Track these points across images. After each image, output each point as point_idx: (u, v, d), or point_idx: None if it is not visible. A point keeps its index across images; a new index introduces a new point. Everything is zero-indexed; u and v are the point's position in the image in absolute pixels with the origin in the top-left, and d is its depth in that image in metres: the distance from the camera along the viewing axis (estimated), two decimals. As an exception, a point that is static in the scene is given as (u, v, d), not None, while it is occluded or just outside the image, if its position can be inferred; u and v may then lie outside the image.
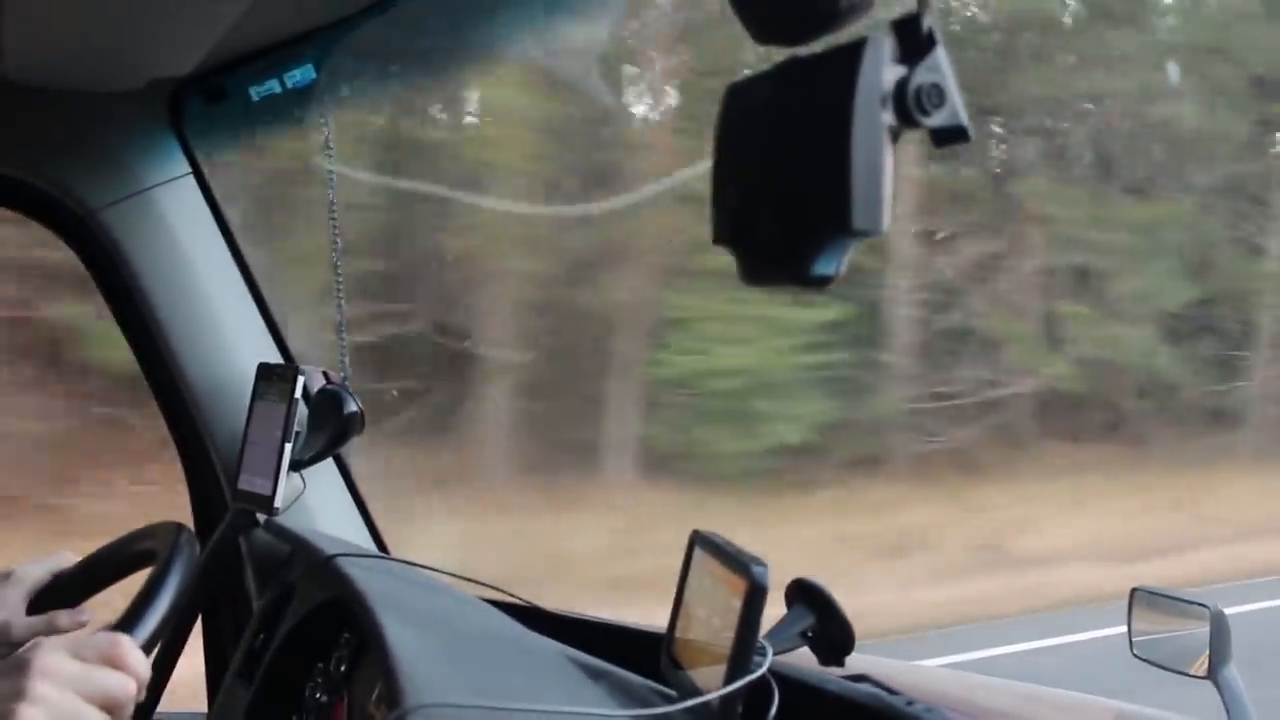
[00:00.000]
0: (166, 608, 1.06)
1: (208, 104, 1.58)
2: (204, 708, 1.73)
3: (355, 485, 1.70)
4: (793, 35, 0.63)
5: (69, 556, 1.32)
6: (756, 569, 0.91)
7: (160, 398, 1.71)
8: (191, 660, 1.70)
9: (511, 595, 1.40)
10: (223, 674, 1.59)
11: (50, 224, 1.68)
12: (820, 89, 0.59)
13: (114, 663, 0.91)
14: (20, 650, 0.91)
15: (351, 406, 1.53)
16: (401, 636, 0.97)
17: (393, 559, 1.45)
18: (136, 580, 1.24)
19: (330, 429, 1.53)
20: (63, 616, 1.26)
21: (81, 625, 1.27)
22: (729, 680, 0.92)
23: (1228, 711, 1.38)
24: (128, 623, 1.02)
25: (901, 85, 0.58)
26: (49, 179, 1.61)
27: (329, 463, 1.63)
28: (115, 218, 1.62)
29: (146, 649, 0.99)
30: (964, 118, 0.59)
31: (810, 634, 1.09)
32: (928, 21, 0.58)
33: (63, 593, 1.29)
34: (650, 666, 1.12)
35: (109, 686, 0.90)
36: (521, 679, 1.06)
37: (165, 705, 1.66)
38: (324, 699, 1.36)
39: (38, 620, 1.25)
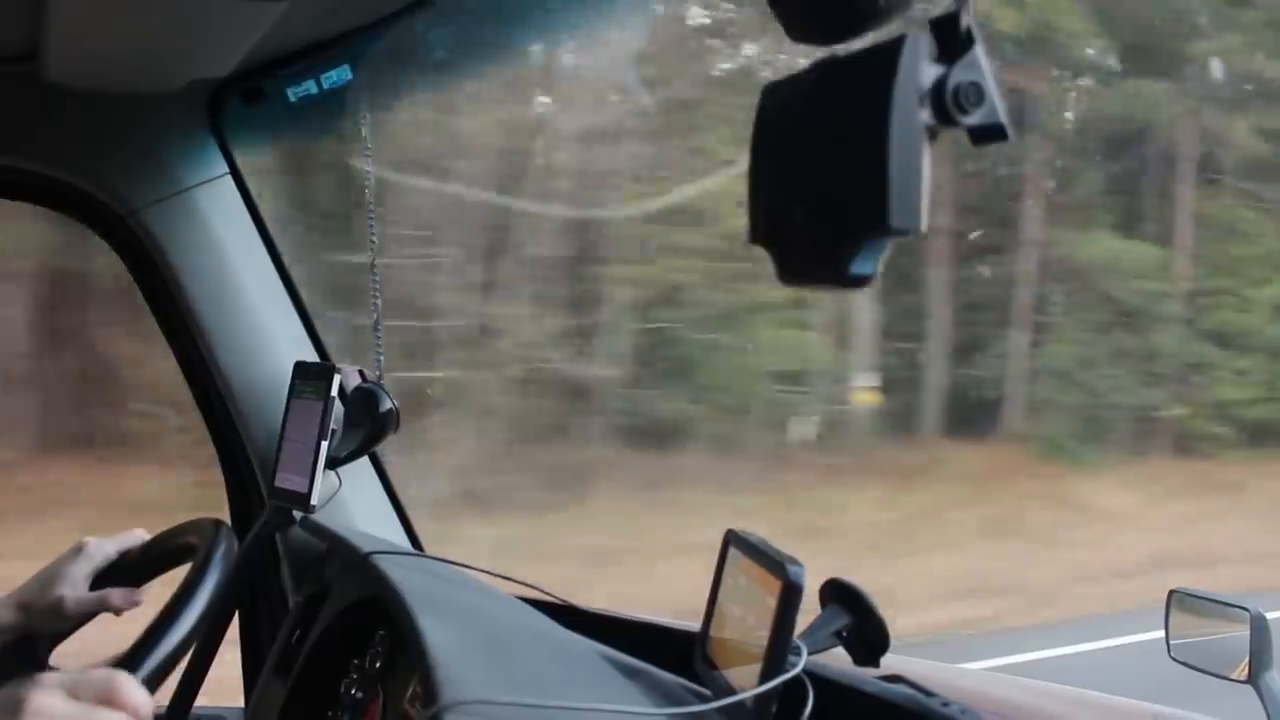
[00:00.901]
0: (190, 624, 1.04)
1: (246, 105, 1.60)
2: (241, 703, 1.75)
3: (391, 483, 1.71)
4: (830, 34, 0.63)
5: (140, 535, 1.32)
6: (792, 568, 0.91)
7: (198, 395, 1.73)
8: (228, 656, 1.72)
9: (547, 593, 1.40)
10: (259, 669, 1.61)
11: (92, 224, 1.70)
12: (858, 88, 0.59)
13: (111, 702, 0.88)
14: (12, 688, 0.88)
15: (387, 405, 1.54)
16: (438, 634, 0.98)
17: (428, 557, 1.46)
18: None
19: (366, 427, 1.54)
20: (116, 595, 1.26)
21: (135, 604, 1.27)
22: (764, 679, 0.91)
23: (1269, 717, 1.36)
24: (132, 658, 1.00)
25: (940, 84, 0.58)
26: (91, 180, 1.64)
27: (365, 461, 1.65)
28: (155, 218, 1.64)
29: (154, 682, 0.97)
30: (1002, 116, 0.59)
31: (845, 634, 1.09)
32: (966, 19, 0.58)
33: (126, 572, 1.30)
34: (684, 665, 1.12)
35: None
36: (557, 677, 1.06)
37: (202, 700, 1.68)
38: (359, 695, 1.37)
39: (90, 597, 1.25)
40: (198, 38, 1.31)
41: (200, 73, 1.50)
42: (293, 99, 1.53)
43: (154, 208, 1.63)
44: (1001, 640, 6.20)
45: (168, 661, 1.01)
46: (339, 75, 1.49)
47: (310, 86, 1.51)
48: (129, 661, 0.99)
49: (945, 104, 0.57)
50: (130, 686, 0.89)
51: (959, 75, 0.58)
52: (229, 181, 1.66)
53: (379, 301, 1.67)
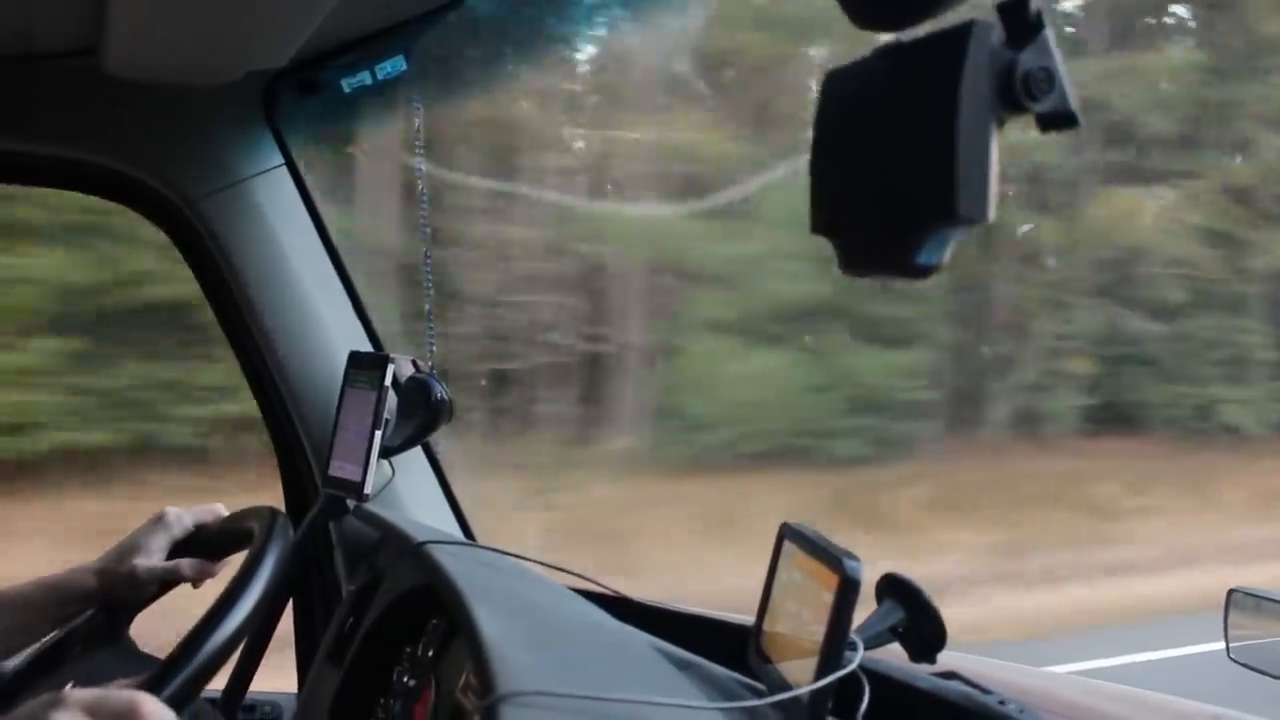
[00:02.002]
0: (237, 622, 1.04)
1: (301, 96, 1.61)
2: (294, 689, 1.77)
3: (443, 473, 1.72)
4: (895, 20, 0.62)
5: (219, 510, 1.33)
6: (849, 563, 0.90)
7: (254, 384, 1.74)
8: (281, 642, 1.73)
9: (599, 584, 1.40)
10: (312, 656, 1.62)
11: (150, 214, 1.72)
12: (924, 75, 0.58)
13: None
14: (35, 707, 0.88)
15: (440, 395, 1.55)
16: (492, 624, 0.98)
17: (481, 546, 1.46)
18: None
19: (419, 417, 1.55)
20: (187, 565, 1.27)
21: (209, 576, 1.27)
22: (820, 675, 0.90)
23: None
24: (159, 679, 0.98)
25: (1009, 70, 0.56)
26: (149, 171, 1.65)
27: (417, 450, 1.65)
28: (212, 208, 1.65)
29: (180, 701, 0.95)
30: (1073, 103, 0.57)
31: (901, 629, 1.07)
32: (1036, 3, 0.57)
33: (200, 547, 1.31)
34: (735, 658, 1.11)
35: None
36: (610, 668, 1.06)
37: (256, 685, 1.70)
38: (412, 683, 1.37)
39: (162, 566, 1.26)
40: (255, 29, 1.32)
41: (257, 64, 1.51)
42: (347, 90, 1.53)
43: (211, 198, 1.65)
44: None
45: (200, 673, 1.00)
46: (393, 65, 1.49)
47: (365, 77, 1.51)
48: (159, 678, 0.97)
49: (1015, 91, 0.56)
50: (152, 710, 0.88)
51: (1029, 61, 0.56)
52: (284, 172, 1.67)
53: (431, 291, 1.68)
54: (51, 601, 1.23)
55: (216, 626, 1.03)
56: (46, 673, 1.11)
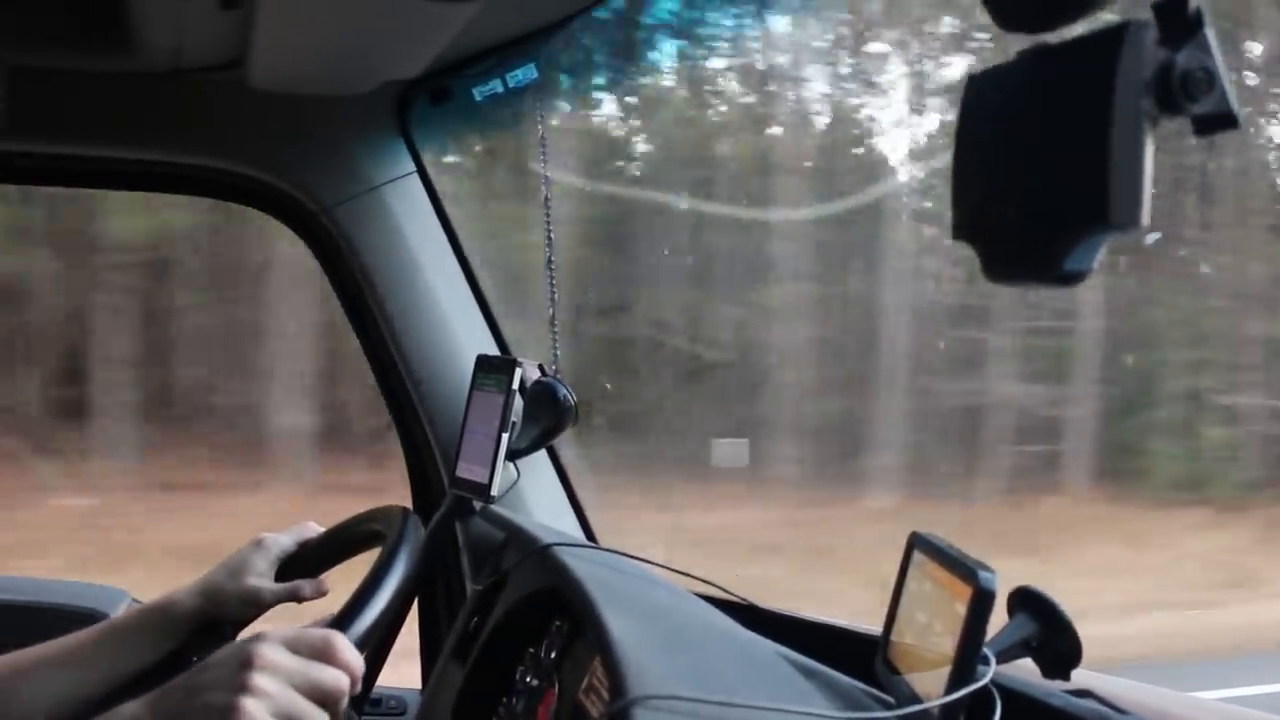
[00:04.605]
0: (388, 598, 1.09)
1: (433, 104, 1.64)
2: (418, 685, 1.80)
3: (567, 476, 1.74)
4: (1044, 21, 0.60)
5: (313, 527, 1.39)
6: (984, 575, 0.88)
7: (384, 385, 1.78)
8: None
9: (725, 590, 1.40)
10: (436, 653, 1.65)
11: (287, 220, 1.78)
12: (1076, 77, 0.57)
13: (328, 659, 0.95)
14: (240, 643, 0.96)
15: (566, 399, 1.56)
16: (621, 627, 0.98)
17: (606, 549, 1.47)
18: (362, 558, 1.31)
19: (545, 420, 1.57)
20: (306, 586, 1.33)
21: (323, 594, 1.33)
22: (951, 688, 0.89)
23: None
24: (343, 620, 1.05)
25: (1166, 70, 0.55)
26: (288, 179, 1.71)
27: (542, 453, 1.67)
28: (346, 215, 1.70)
29: (362, 645, 1.02)
30: (1233, 103, 0.55)
31: (1034, 644, 1.05)
32: (1195, 1, 0.55)
33: (305, 562, 1.36)
34: (860, 668, 1.10)
35: (324, 681, 0.94)
36: (739, 675, 1.05)
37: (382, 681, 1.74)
38: (534, 684, 1.39)
39: (283, 587, 1.32)
40: (392, 42, 1.35)
41: (392, 74, 1.55)
42: (478, 98, 1.56)
43: (345, 205, 1.70)
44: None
45: (372, 628, 1.06)
46: (525, 74, 1.52)
47: (496, 85, 1.54)
48: (339, 623, 1.04)
49: (1172, 92, 0.55)
50: (344, 645, 0.96)
51: (1187, 60, 0.55)
52: (416, 180, 1.72)
53: (555, 297, 1.70)
54: (160, 626, 1.29)
55: (376, 588, 1.09)
56: (164, 680, 1.17)
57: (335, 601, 1.15)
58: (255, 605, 1.32)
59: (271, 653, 0.93)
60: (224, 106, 1.67)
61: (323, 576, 1.36)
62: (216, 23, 1.32)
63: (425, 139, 1.73)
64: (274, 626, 1.01)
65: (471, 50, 1.53)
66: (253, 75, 1.49)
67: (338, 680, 0.95)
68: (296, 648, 0.95)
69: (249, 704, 0.90)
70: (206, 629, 1.32)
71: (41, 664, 1.26)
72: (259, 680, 0.91)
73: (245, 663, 0.92)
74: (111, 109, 1.68)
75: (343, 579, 1.29)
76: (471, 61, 1.56)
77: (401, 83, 1.63)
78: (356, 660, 0.97)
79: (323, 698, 0.94)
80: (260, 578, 1.32)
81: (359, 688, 0.98)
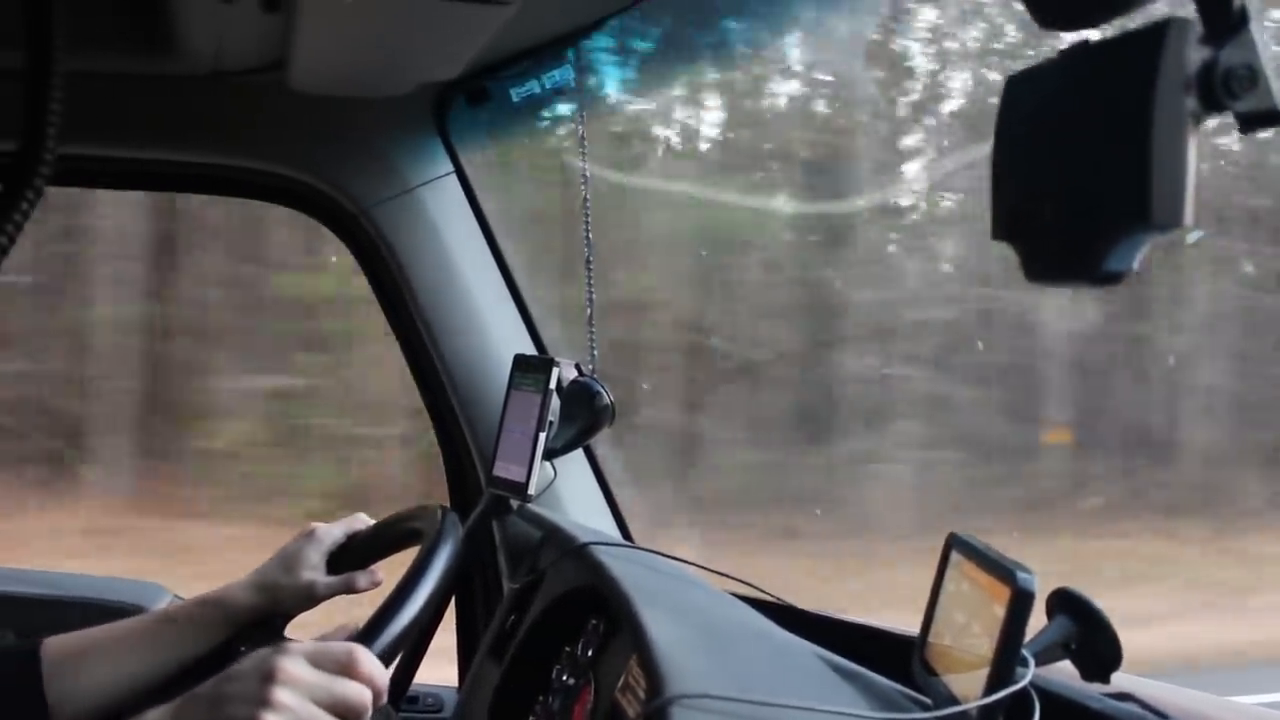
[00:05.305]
0: (419, 606, 1.08)
1: (470, 106, 1.65)
2: (455, 683, 1.81)
3: (604, 475, 1.74)
4: (1084, 19, 0.60)
5: (364, 519, 1.40)
6: (1023, 576, 0.88)
7: (422, 384, 1.80)
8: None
9: (762, 591, 1.39)
10: (473, 651, 1.66)
11: (327, 221, 1.79)
12: (1117, 75, 0.56)
13: (351, 673, 0.95)
14: (262, 655, 0.95)
15: (603, 398, 1.56)
16: (659, 626, 0.98)
17: (643, 549, 1.47)
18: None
19: (582, 420, 1.57)
20: (361, 578, 1.34)
21: (377, 584, 1.34)
22: (990, 690, 0.88)
23: None
24: (369, 632, 1.05)
25: (1208, 67, 0.54)
26: (327, 180, 1.73)
27: (579, 452, 1.68)
28: (384, 215, 1.72)
29: (387, 657, 1.02)
30: (1277, 100, 0.55)
31: (1073, 646, 1.04)
32: None
33: (353, 555, 1.37)
34: (897, 669, 1.10)
35: (346, 696, 0.94)
36: (775, 675, 1.05)
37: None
38: (571, 682, 1.39)
39: (338, 580, 1.33)
40: (430, 43, 1.36)
41: (430, 76, 1.56)
42: (515, 99, 1.57)
43: (383, 205, 1.72)
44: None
45: (400, 638, 1.06)
46: (561, 74, 1.53)
47: (533, 86, 1.55)
48: (367, 634, 1.04)
49: (1215, 89, 0.54)
50: (367, 659, 0.96)
51: (1230, 57, 0.54)
52: (453, 180, 1.73)
53: (593, 297, 1.70)
54: (216, 618, 1.31)
55: (392, 618, 1.07)
56: (216, 671, 1.18)
57: (377, 599, 1.16)
58: (310, 598, 1.33)
59: (293, 667, 0.93)
60: (264, 108, 1.69)
61: (374, 567, 1.36)
62: (258, 26, 1.33)
63: (462, 140, 1.74)
64: (297, 641, 1.00)
65: (508, 52, 1.54)
66: (293, 77, 1.51)
67: (360, 695, 0.95)
68: (319, 661, 0.95)
69: (269, 718, 0.90)
70: (259, 623, 1.34)
71: (101, 647, 1.27)
72: (280, 695, 0.91)
73: (267, 676, 0.92)
74: (153, 111, 1.70)
75: (395, 570, 1.29)
76: (508, 63, 1.57)
77: (439, 84, 1.64)
78: (380, 675, 0.97)
79: (344, 713, 0.94)
80: (314, 570, 1.33)
81: (383, 701, 0.98)
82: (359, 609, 1.20)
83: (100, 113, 1.65)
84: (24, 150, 0.82)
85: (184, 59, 1.54)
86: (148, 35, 1.45)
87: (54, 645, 1.26)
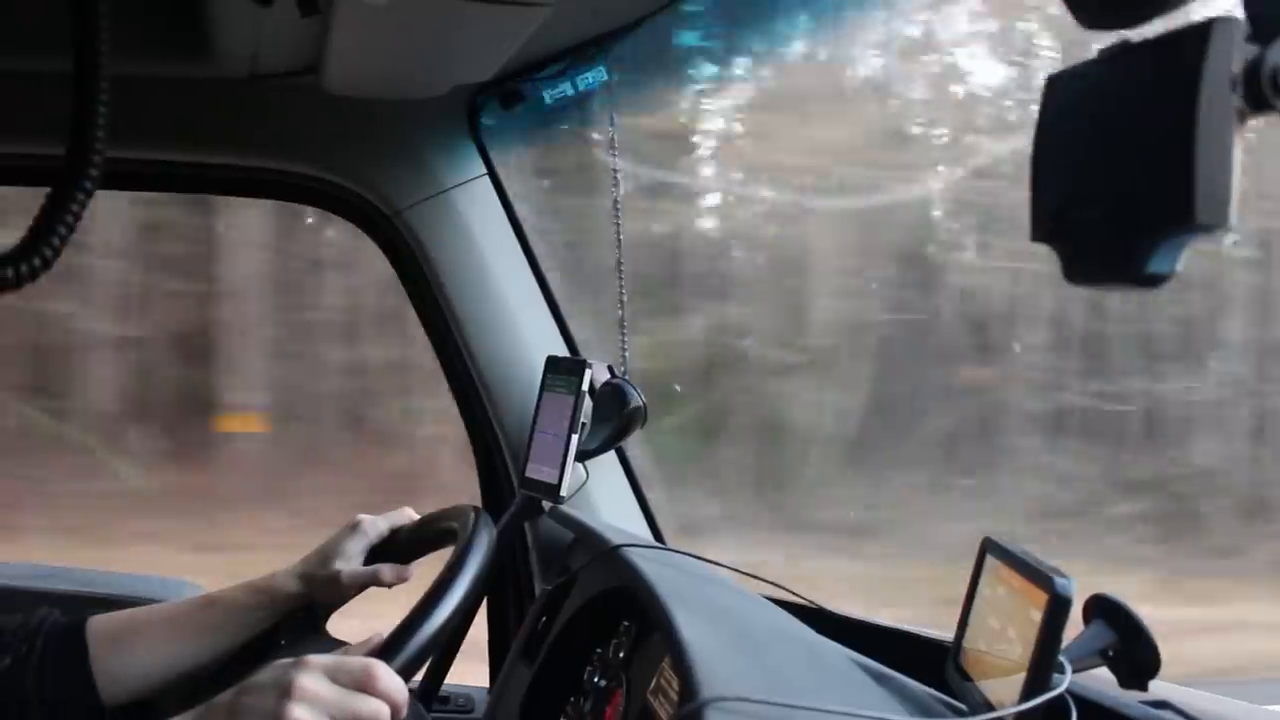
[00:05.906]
0: (447, 613, 1.07)
1: (503, 107, 1.66)
2: (486, 683, 1.82)
3: (636, 477, 1.74)
4: (1126, 18, 0.59)
5: (409, 514, 1.39)
6: (1060, 581, 0.87)
7: (454, 386, 1.80)
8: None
9: (795, 594, 1.39)
10: (505, 652, 1.67)
11: (360, 223, 1.80)
12: (1160, 74, 0.56)
13: (369, 689, 0.94)
14: (282, 667, 0.95)
15: (635, 400, 1.57)
16: (692, 628, 0.98)
17: (675, 551, 1.47)
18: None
19: (614, 422, 1.57)
20: (386, 571, 1.33)
21: (404, 580, 1.34)
22: (1026, 696, 0.88)
23: None
24: (390, 646, 1.03)
25: (1255, 66, 0.53)
26: (361, 183, 1.74)
27: (611, 454, 1.68)
28: (417, 217, 1.72)
29: (408, 672, 1.01)
30: None
31: (1111, 653, 1.03)
32: None
33: (394, 550, 1.37)
34: (931, 674, 1.09)
35: (363, 713, 0.94)
36: (810, 679, 1.05)
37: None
38: (602, 684, 1.39)
39: (363, 571, 1.33)
40: (464, 46, 1.37)
41: (463, 78, 1.57)
42: (548, 101, 1.57)
43: (416, 208, 1.72)
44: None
45: (425, 649, 1.04)
46: (594, 77, 1.53)
47: (566, 88, 1.55)
48: (388, 648, 1.03)
49: (1261, 88, 0.53)
50: (386, 674, 0.96)
51: (1277, 55, 0.53)
52: (486, 182, 1.73)
53: (625, 298, 1.70)
54: (263, 604, 1.31)
55: (417, 629, 1.06)
56: (255, 662, 1.18)
57: (414, 594, 1.14)
58: (339, 589, 1.32)
59: (311, 682, 0.93)
60: (299, 111, 1.70)
61: (414, 564, 1.36)
62: (294, 29, 1.34)
63: (495, 142, 1.75)
64: (316, 655, 0.98)
65: (542, 54, 1.54)
66: (327, 80, 1.52)
67: (377, 712, 0.94)
68: (337, 676, 0.94)
69: None
70: (304, 612, 1.34)
71: (144, 627, 1.28)
72: (296, 711, 0.91)
73: (285, 691, 0.92)
74: (189, 114, 1.71)
75: (430, 567, 1.28)
76: (541, 65, 1.57)
77: (472, 86, 1.64)
78: (398, 690, 0.96)
79: None
80: (348, 561, 1.32)
81: (402, 716, 0.97)
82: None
83: (137, 116, 1.67)
84: (73, 153, 0.82)
85: (221, 63, 1.56)
86: (185, 39, 1.46)
87: (99, 623, 1.27)
